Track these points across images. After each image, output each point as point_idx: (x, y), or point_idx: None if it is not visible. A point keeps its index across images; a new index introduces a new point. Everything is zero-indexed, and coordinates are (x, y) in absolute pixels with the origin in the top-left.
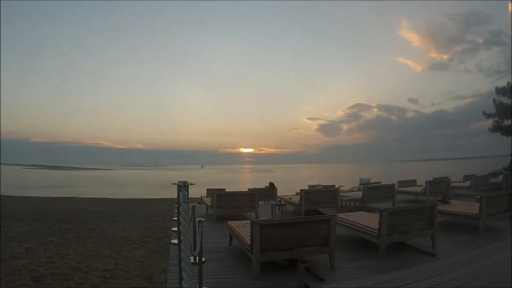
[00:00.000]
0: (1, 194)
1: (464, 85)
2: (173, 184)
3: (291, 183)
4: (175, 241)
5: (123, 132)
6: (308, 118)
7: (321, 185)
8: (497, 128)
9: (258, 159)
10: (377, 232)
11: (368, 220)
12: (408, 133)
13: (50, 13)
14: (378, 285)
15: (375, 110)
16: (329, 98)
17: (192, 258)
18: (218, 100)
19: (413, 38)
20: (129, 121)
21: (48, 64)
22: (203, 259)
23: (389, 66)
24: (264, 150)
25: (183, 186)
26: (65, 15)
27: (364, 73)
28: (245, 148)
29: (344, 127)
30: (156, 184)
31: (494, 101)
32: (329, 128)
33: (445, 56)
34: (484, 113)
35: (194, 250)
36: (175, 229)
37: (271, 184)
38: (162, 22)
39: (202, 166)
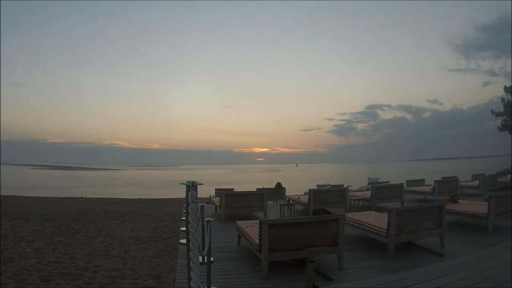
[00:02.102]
0: (12, 194)
1: (487, 87)
2: (182, 184)
3: (300, 182)
4: (184, 240)
5: (142, 132)
6: (324, 118)
7: (330, 185)
8: (505, 126)
9: (270, 158)
10: (385, 231)
11: (377, 220)
12: (422, 133)
13: (69, 13)
14: (386, 285)
15: (392, 110)
16: (347, 99)
17: (200, 257)
18: (236, 101)
19: (443, 44)
20: (148, 122)
21: (67, 64)
22: (212, 259)
23: (412, 68)
24: (278, 150)
25: (191, 186)
26: (83, 16)
27: (385, 74)
28: (260, 148)
29: (359, 127)
30: (164, 184)
31: (502, 99)
32: (343, 128)
33: (471, 60)
34: (492, 112)
35: (203, 249)
36: (184, 229)
37: (278, 185)
38: (179, 24)
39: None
